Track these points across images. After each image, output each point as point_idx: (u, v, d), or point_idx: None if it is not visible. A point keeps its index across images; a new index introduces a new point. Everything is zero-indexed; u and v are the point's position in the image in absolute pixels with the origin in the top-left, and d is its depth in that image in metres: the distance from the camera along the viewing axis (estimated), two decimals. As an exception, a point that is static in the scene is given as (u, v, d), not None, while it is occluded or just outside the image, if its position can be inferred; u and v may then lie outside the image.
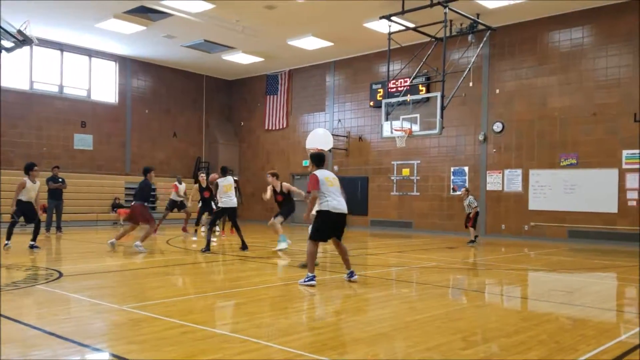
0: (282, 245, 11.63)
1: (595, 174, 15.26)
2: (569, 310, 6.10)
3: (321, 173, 7.54)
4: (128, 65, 22.08)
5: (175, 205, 16.03)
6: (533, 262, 11.19)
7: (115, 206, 20.12)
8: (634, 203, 14.65)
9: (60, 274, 7.80)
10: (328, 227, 7.40)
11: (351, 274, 7.58)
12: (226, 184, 11.81)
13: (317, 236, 7.43)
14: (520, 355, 4.16)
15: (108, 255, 10.48)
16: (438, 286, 7.22)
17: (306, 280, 7.22)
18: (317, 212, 7.43)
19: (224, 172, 12.19)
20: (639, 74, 14.70)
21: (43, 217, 14.73)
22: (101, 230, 17.37)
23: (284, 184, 11.66)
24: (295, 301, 6.45)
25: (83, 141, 20.90)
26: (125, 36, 18.82)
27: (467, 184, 17.46)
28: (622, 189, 14.83)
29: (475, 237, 14.22)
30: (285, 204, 11.76)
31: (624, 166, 14.83)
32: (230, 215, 12.11)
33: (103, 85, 21.61)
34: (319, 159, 7.74)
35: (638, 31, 14.71)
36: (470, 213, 14.20)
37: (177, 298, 6.30)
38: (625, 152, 14.84)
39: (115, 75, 21.86)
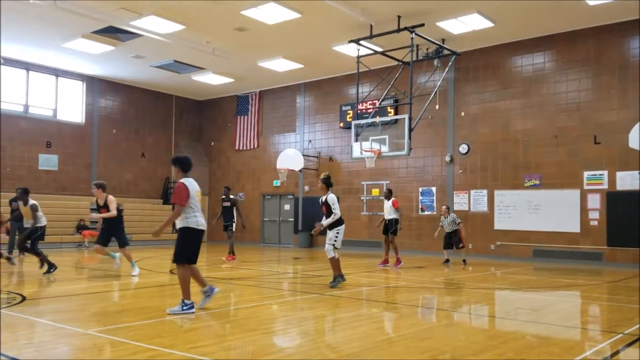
0: (136, 269, 10.66)
1: (558, 195, 15.70)
2: (534, 328, 6.23)
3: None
4: (95, 85, 21.82)
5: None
6: (499, 280, 11.39)
7: (80, 228, 19.69)
8: (596, 223, 15.10)
9: (23, 298, 7.58)
10: None
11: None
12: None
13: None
14: (486, 373, 4.23)
15: (71, 278, 10.23)
16: (407, 305, 7.28)
17: None
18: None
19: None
20: (597, 97, 15.31)
21: (5, 239, 14.34)
22: (65, 252, 16.92)
23: (110, 197, 10.30)
24: (265, 323, 6.41)
25: (48, 161, 20.47)
26: (93, 56, 18.63)
27: (434, 204, 17.72)
28: (584, 209, 15.28)
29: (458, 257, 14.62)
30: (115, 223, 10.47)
31: (586, 187, 15.31)
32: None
33: (70, 105, 21.28)
34: None
35: (595, 57, 15.37)
36: (456, 230, 14.22)
37: (143, 321, 6.18)
38: (586, 174, 15.33)
39: (82, 95, 21.56)
